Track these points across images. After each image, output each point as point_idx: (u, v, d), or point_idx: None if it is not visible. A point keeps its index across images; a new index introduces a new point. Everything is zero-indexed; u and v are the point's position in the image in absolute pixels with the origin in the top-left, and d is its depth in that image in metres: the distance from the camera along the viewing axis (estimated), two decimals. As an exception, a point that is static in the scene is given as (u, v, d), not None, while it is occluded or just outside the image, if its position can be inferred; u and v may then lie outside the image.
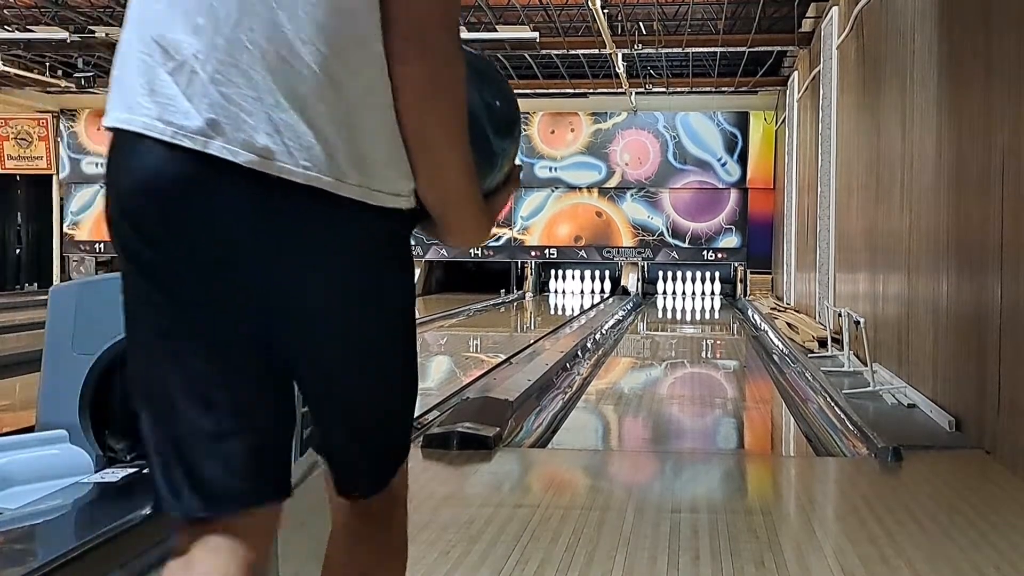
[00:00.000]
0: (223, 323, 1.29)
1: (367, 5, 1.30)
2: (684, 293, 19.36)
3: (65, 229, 20.49)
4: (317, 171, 1.26)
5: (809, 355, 8.71)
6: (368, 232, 1.32)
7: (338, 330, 1.35)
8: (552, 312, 16.17)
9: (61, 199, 20.49)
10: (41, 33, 13.97)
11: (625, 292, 18.90)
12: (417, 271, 19.66)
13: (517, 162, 1.62)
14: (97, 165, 20.31)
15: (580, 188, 19.16)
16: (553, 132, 19.17)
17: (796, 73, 14.84)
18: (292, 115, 1.27)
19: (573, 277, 19.73)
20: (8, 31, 13.98)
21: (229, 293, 1.28)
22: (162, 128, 1.29)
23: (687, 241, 19.24)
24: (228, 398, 1.31)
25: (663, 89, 17.32)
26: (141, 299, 1.32)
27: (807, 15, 13.26)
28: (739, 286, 19.03)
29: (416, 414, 6.29)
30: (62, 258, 20.53)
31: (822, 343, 9.27)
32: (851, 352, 8.01)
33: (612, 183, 19.03)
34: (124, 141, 1.33)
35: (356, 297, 1.34)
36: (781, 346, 9.72)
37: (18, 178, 20.83)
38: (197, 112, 1.28)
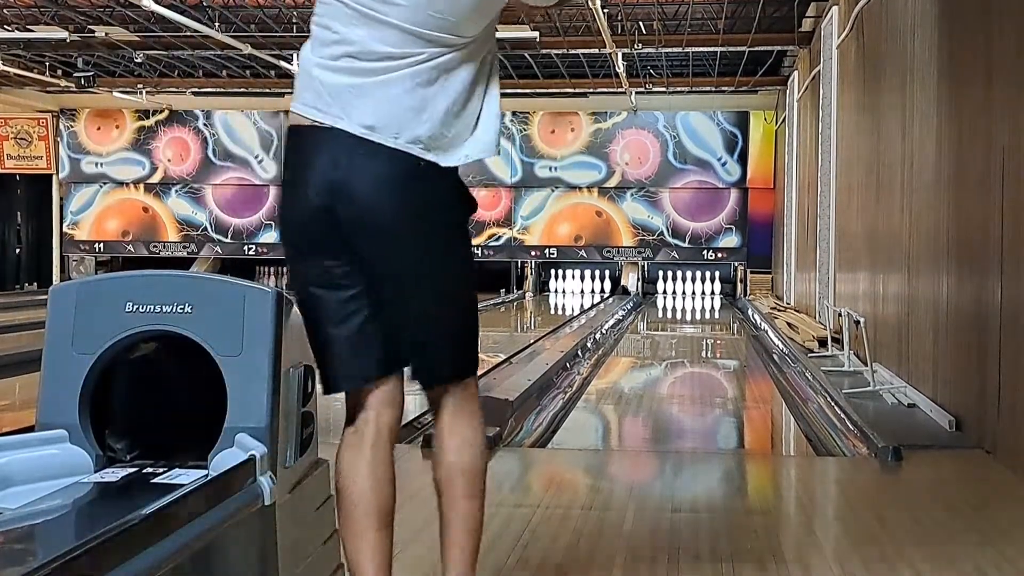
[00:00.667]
0: None
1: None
2: (684, 293, 19.36)
3: (65, 229, 20.49)
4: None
5: (809, 355, 8.71)
6: None
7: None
8: (552, 312, 16.17)
9: (61, 199, 20.48)
10: (41, 33, 13.96)
11: (625, 292, 18.89)
12: (417, 271, 19.65)
13: None
14: (97, 165, 20.32)
15: (580, 188, 19.15)
16: (553, 132, 19.17)
17: (796, 73, 14.84)
18: None
19: (573, 277, 19.72)
20: (8, 31, 13.97)
21: None
22: None
23: (687, 241, 19.24)
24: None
25: (663, 89, 17.32)
26: None
27: (807, 15, 13.25)
28: (739, 286, 19.03)
29: (416, 414, 6.30)
30: (62, 258, 20.53)
31: (822, 343, 9.27)
32: (851, 352, 8.01)
33: (612, 183, 19.02)
34: None
35: None
36: (781, 346, 9.72)
37: (18, 178, 20.83)
38: None
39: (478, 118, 2.25)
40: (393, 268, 2.06)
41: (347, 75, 2.06)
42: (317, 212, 2.03)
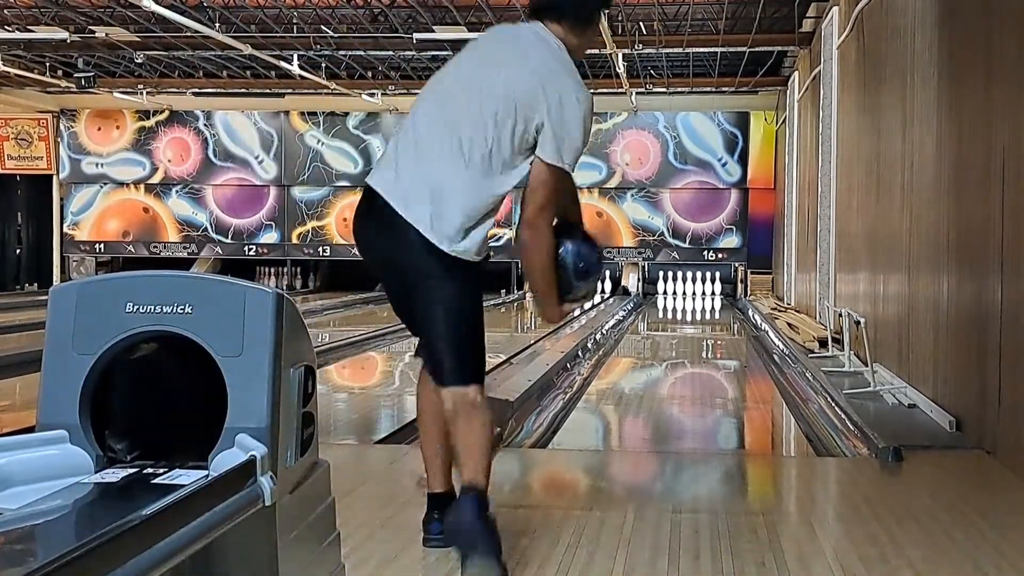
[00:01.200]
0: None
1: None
2: (684, 293, 19.36)
3: (65, 229, 20.50)
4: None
5: (809, 355, 8.71)
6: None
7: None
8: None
9: (61, 199, 20.49)
10: (41, 33, 13.97)
11: (625, 292, 18.90)
12: (417, 271, 19.64)
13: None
14: (97, 165, 20.33)
15: (580, 188, 19.03)
16: (553, 132, 19.17)
17: (796, 73, 14.84)
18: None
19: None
20: (8, 31, 13.98)
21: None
22: None
23: (687, 241, 19.24)
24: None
25: (663, 89, 17.32)
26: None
27: (807, 15, 13.26)
28: (739, 286, 19.03)
29: (415, 414, 6.30)
30: (62, 258, 20.54)
31: (822, 343, 9.27)
32: (851, 352, 8.01)
33: (612, 183, 19.03)
34: None
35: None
36: (781, 346, 9.72)
37: (18, 178, 20.83)
38: None
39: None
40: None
41: None
42: None
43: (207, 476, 1.69)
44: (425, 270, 2.92)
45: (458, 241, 2.88)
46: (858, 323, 7.56)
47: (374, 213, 2.97)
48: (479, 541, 2.80)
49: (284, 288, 16.55)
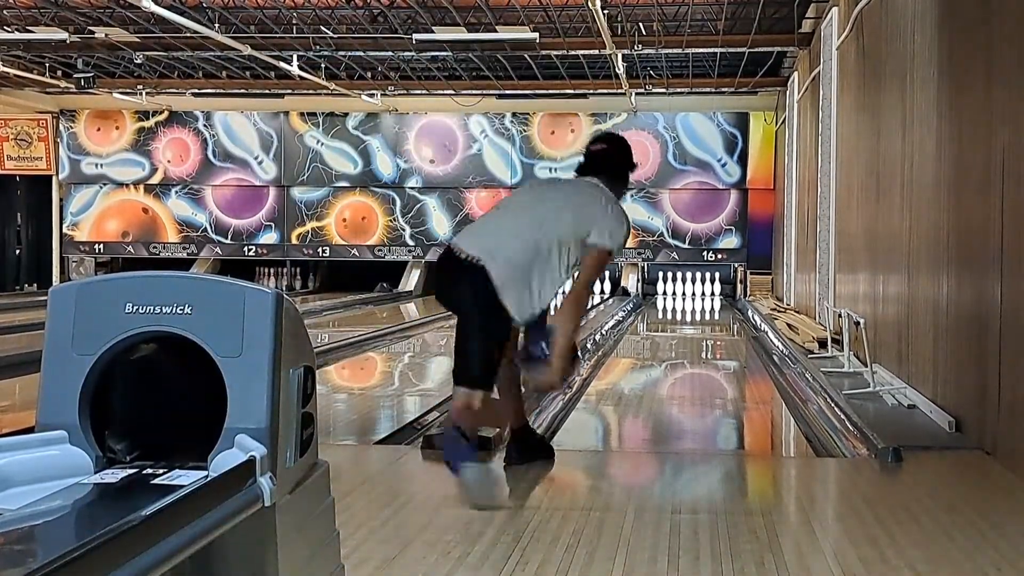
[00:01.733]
0: None
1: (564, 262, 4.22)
2: (684, 294, 19.37)
3: (64, 230, 20.50)
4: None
5: (809, 356, 8.71)
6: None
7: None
8: (552, 313, 16.14)
9: (61, 199, 20.49)
10: (41, 34, 13.97)
11: (625, 293, 18.89)
12: (417, 272, 19.66)
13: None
14: (96, 166, 20.34)
15: (580, 189, 19.14)
16: (553, 133, 19.18)
17: (796, 74, 14.84)
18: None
19: (573, 278, 19.70)
20: (8, 31, 13.98)
21: None
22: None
23: (687, 242, 19.24)
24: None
25: (663, 89, 17.32)
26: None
27: (807, 16, 13.26)
28: (739, 287, 19.03)
29: (416, 414, 6.30)
30: (62, 258, 20.54)
31: (822, 344, 9.27)
32: (851, 353, 8.01)
33: (612, 184, 19.00)
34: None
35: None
36: (781, 347, 9.72)
37: (18, 179, 20.83)
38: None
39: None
40: None
41: None
42: None
43: (207, 476, 1.69)
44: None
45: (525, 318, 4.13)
46: (858, 324, 7.56)
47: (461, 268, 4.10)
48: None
49: (284, 289, 16.55)
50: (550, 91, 17.61)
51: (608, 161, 4.38)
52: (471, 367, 4.02)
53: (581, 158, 4.45)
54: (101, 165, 20.32)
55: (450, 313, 4.28)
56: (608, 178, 4.33)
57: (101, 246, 20.47)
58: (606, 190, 4.28)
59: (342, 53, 15.22)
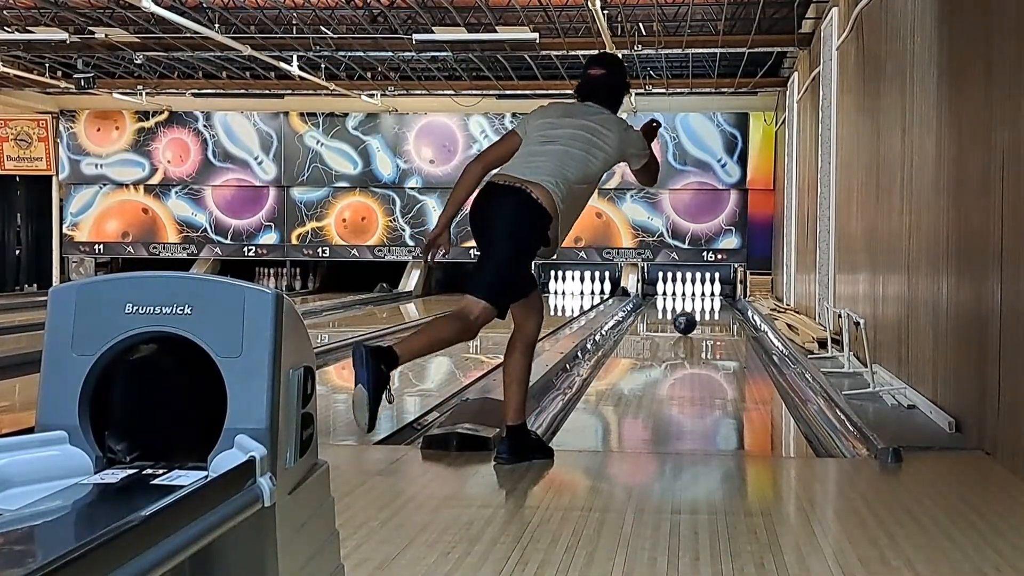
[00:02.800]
0: None
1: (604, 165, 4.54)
2: (684, 294, 19.36)
3: (65, 230, 20.50)
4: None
5: (809, 356, 8.71)
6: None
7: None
8: (552, 313, 16.17)
9: (61, 200, 20.50)
10: (41, 34, 13.97)
11: (625, 293, 18.90)
12: (417, 272, 19.67)
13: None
14: (96, 166, 20.34)
15: (580, 189, 19.14)
16: (553, 133, 19.17)
17: (796, 74, 14.85)
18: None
19: (573, 278, 19.73)
20: (8, 32, 13.98)
21: None
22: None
23: (687, 242, 19.25)
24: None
25: (663, 90, 17.33)
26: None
27: (807, 16, 13.26)
28: (739, 287, 19.03)
29: (416, 414, 6.30)
30: (62, 259, 20.54)
31: (822, 344, 9.27)
32: (851, 353, 8.01)
33: (612, 184, 19.02)
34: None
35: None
36: (781, 347, 9.72)
37: (18, 179, 20.83)
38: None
39: None
40: None
41: None
42: None
43: (206, 477, 1.69)
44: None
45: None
46: (857, 324, 7.56)
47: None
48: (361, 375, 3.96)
49: (283, 289, 16.54)
50: (550, 91, 17.59)
51: (606, 86, 4.61)
52: (487, 273, 4.30)
53: (581, 79, 4.67)
54: (101, 165, 20.33)
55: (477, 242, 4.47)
56: (607, 103, 4.59)
57: (101, 246, 20.47)
58: (614, 117, 4.57)
59: (342, 53, 15.23)
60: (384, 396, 3.96)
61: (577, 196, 4.41)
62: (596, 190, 4.73)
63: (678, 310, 17.55)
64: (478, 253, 4.48)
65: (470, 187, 4.57)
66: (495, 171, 4.51)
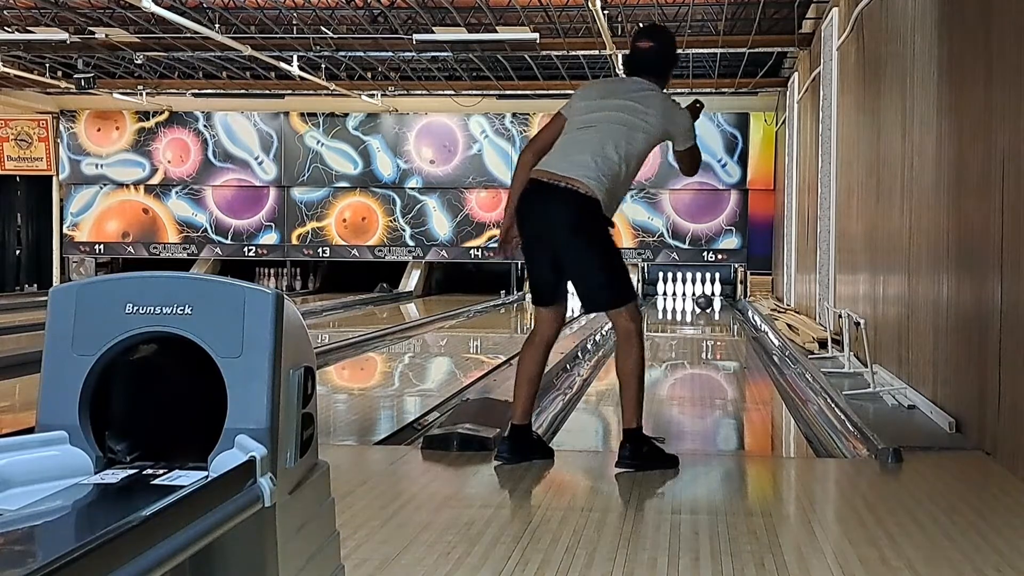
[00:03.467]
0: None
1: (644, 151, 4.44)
2: (684, 294, 19.36)
3: (65, 230, 20.50)
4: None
5: (809, 356, 8.71)
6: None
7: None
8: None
9: (61, 200, 20.50)
10: (41, 34, 13.97)
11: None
12: (417, 272, 19.67)
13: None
14: (97, 166, 20.34)
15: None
16: (553, 133, 19.15)
17: (796, 74, 14.84)
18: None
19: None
20: (8, 32, 13.98)
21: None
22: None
23: (687, 242, 19.25)
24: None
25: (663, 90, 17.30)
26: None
27: (807, 16, 13.26)
28: (739, 287, 19.03)
29: (416, 415, 6.31)
30: (62, 259, 20.54)
31: (822, 344, 9.27)
32: (851, 353, 8.01)
33: (612, 184, 19.00)
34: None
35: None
36: (781, 347, 9.72)
37: (18, 179, 20.83)
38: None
39: None
40: None
41: None
42: None
43: (207, 477, 1.69)
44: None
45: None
46: (858, 324, 7.56)
47: None
48: (653, 467, 4.27)
49: (284, 289, 16.54)
50: (550, 91, 17.61)
51: (655, 59, 4.54)
52: (601, 285, 4.32)
53: (629, 52, 4.65)
54: (101, 165, 20.32)
55: (531, 241, 4.41)
56: (655, 76, 4.51)
57: (101, 246, 20.47)
58: (658, 95, 4.47)
59: (342, 53, 15.23)
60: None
61: (620, 178, 4.34)
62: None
63: (678, 309, 17.60)
64: (531, 256, 4.44)
65: (524, 176, 4.44)
66: (536, 168, 4.41)
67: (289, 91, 18.35)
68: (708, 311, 17.19)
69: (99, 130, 20.31)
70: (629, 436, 4.34)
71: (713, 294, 19.18)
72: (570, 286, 4.42)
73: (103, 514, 1.61)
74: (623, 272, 4.39)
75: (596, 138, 4.31)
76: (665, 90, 4.56)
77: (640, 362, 4.31)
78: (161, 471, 1.75)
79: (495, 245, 19.48)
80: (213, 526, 1.53)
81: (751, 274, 18.95)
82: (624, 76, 4.60)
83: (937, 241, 5.74)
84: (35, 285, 20.55)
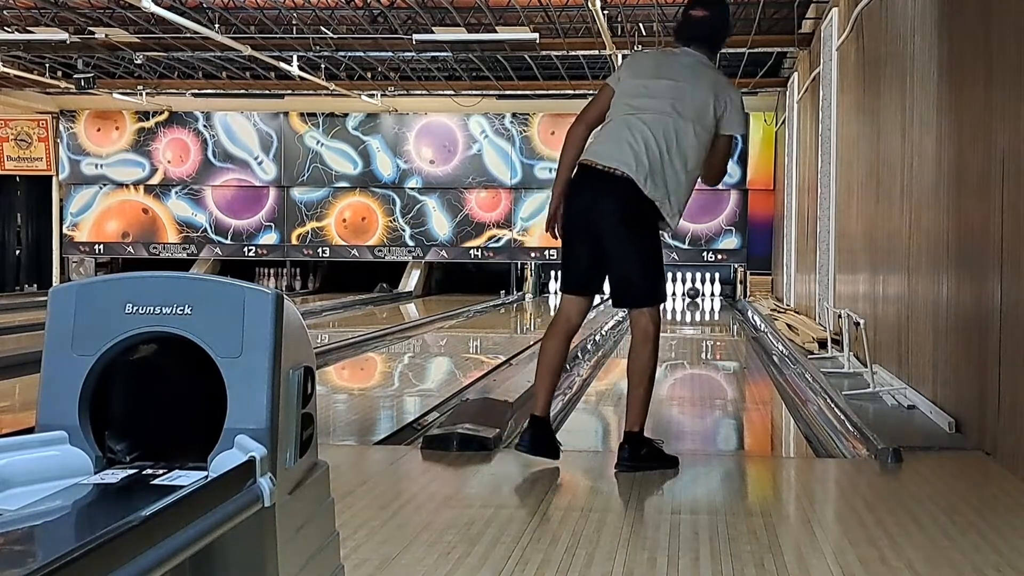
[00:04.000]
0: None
1: (700, 152, 4.25)
2: (684, 294, 19.35)
3: (64, 230, 20.50)
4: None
5: (809, 356, 8.71)
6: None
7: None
8: (552, 313, 16.16)
9: (61, 200, 20.49)
10: (41, 34, 13.97)
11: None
12: (417, 272, 19.66)
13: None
14: (96, 166, 20.34)
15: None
16: (553, 133, 19.17)
17: (796, 74, 14.84)
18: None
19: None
20: (8, 32, 13.98)
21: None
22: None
23: (687, 242, 19.24)
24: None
25: (663, 90, 17.30)
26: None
27: (807, 16, 13.26)
28: (739, 287, 19.03)
29: (416, 415, 6.31)
30: (62, 259, 20.54)
31: (822, 344, 9.27)
32: (851, 353, 8.01)
33: (612, 184, 19.01)
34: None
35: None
36: (781, 347, 9.72)
37: (18, 179, 20.83)
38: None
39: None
40: None
41: None
42: None
43: (206, 477, 1.69)
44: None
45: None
46: (857, 324, 7.56)
47: None
48: (652, 468, 4.21)
49: (284, 289, 16.55)
50: (550, 91, 17.61)
51: (709, 28, 4.37)
52: (639, 281, 4.24)
53: (682, 20, 4.44)
54: (101, 166, 20.32)
55: (579, 235, 4.29)
56: (708, 47, 4.35)
57: (101, 246, 20.47)
58: (714, 70, 4.35)
59: (342, 53, 15.23)
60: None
61: (677, 174, 4.18)
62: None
63: (678, 308, 17.60)
64: (572, 239, 4.32)
65: (576, 151, 4.28)
66: (587, 153, 4.25)
67: (289, 91, 18.35)
68: (697, 300, 18.21)
69: (99, 130, 20.31)
70: (629, 439, 4.30)
71: (702, 292, 19.23)
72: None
73: (103, 514, 1.61)
74: (661, 274, 4.34)
75: (647, 130, 4.16)
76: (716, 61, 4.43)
77: (653, 365, 4.32)
78: (161, 471, 1.75)
79: (496, 245, 19.56)
80: (213, 526, 1.53)
81: (751, 274, 18.95)
82: (675, 48, 4.37)
83: (937, 241, 5.74)
84: (35, 285, 20.55)
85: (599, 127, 4.34)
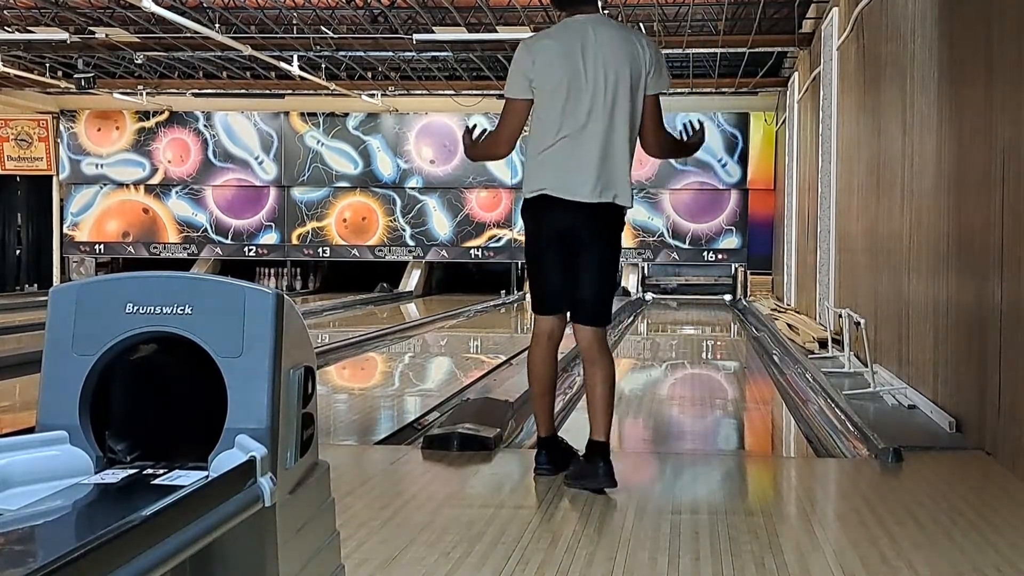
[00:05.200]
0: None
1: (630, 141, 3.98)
2: (685, 294, 19.35)
3: (65, 230, 20.50)
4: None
5: (809, 356, 8.71)
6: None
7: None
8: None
9: (61, 200, 20.50)
10: (41, 34, 13.97)
11: (625, 293, 18.89)
12: (417, 272, 19.66)
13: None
14: (97, 166, 20.34)
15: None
16: (553, 133, 19.15)
17: (796, 74, 14.84)
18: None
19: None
20: (8, 32, 13.98)
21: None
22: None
23: (687, 242, 19.25)
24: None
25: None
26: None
27: (807, 16, 13.26)
28: (739, 287, 19.03)
29: (416, 415, 6.30)
30: (62, 259, 20.54)
31: (822, 344, 9.27)
32: (851, 353, 8.01)
33: (612, 184, 19.00)
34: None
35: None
36: (781, 347, 9.72)
37: (18, 179, 20.83)
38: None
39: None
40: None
41: None
42: None
43: (207, 477, 1.69)
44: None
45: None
46: (858, 324, 7.56)
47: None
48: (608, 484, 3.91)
49: (284, 289, 16.55)
50: (550, 91, 17.58)
51: None
52: (601, 302, 4.12)
53: None
54: (101, 165, 20.33)
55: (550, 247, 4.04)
56: (594, 5, 4.03)
57: (101, 246, 20.47)
58: (618, 27, 4.14)
59: (342, 53, 15.23)
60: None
61: (631, 152, 4.01)
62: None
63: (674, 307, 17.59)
64: (545, 261, 4.07)
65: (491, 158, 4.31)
66: (555, 188, 3.93)
67: (289, 91, 18.35)
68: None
69: (99, 130, 20.31)
70: (602, 450, 3.99)
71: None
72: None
73: (103, 514, 1.61)
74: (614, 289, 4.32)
75: (594, 147, 3.92)
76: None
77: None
78: (161, 471, 1.75)
79: (496, 245, 19.57)
80: (213, 526, 1.53)
81: (751, 274, 18.95)
82: (569, 18, 3.95)
83: (937, 241, 5.74)
84: (35, 285, 20.55)
85: (534, 140, 4.01)
